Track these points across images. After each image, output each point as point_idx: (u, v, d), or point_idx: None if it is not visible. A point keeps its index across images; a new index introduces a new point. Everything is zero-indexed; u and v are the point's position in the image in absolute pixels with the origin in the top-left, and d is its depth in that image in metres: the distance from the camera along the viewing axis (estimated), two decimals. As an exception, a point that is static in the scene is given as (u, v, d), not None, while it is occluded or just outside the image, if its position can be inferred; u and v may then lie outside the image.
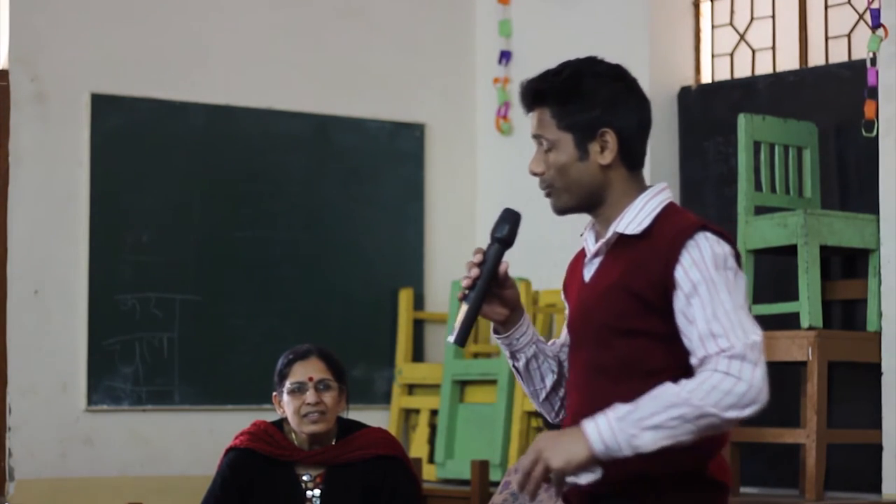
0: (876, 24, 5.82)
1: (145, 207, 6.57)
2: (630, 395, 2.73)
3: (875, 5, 5.84)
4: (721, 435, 2.79)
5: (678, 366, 2.77)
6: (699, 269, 2.75)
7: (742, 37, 6.70)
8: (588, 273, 2.93)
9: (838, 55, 6.33)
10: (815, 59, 6.42)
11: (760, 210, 5.96)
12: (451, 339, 2.94)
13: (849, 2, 6.31)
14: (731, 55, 6.74)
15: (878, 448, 5.76)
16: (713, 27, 6.81)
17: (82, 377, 6.38)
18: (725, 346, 2.68)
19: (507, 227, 2.97)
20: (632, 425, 2.65)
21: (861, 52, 6.06)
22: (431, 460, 6.85)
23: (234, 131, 6.77)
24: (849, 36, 6.30)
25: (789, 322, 5.83)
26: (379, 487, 4.37)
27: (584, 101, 2.86)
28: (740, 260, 2.83)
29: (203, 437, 6.55)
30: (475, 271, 2.91)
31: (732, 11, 6.74)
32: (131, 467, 6.46)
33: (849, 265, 6.08)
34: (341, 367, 4.47)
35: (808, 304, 5.66)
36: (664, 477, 2.78)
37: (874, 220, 5.83)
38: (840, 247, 5.80)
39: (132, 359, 6.47)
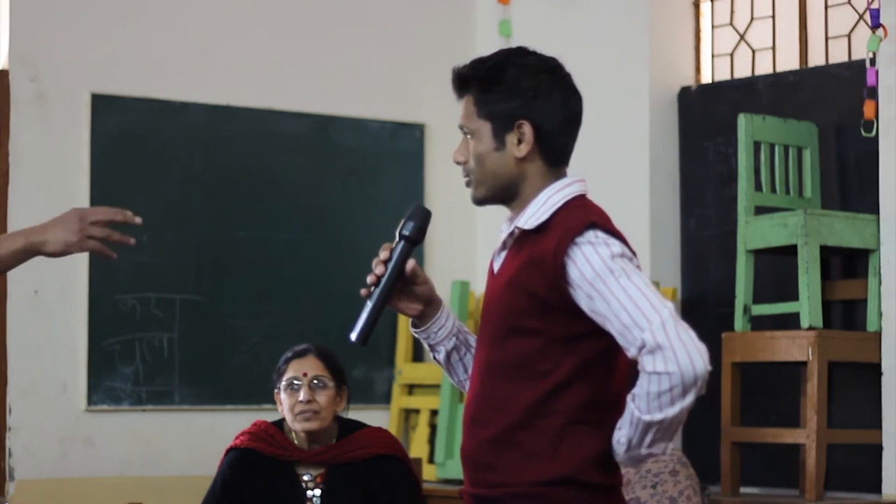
0: (875, 24, 5.82)
1: (145, 207, 6.51)
2: (522, 396, 2.73)
3: (875, 5, 5.84)
4: (599, 437, 2.75)
5: (571, 369, 2.73)
6: (592, 264, 2.69)
7: (742, 37, 6.69)
8: (496, 266, 2.90)
9: (838, 55, 6.33)
10: (815, 59, 6.42)
11: (760, 210, 5.96)
12: (353, 336, 2.89)
13: (849, 2, 6.31)
14: (731, 55, 6.74)
15: (878, 448, 5.76)
16: (713, 27, 6.81)
17: (82, 377, 6.37)
18: (640, 341, 2.63)
19: (413, 224, 2.95)
20: (632, 460, 2.74)
21: (861, 52, 6.06)
22: (431, 460, 6.84)
23: (234, 131, 6.76)
24: (849, 36, 6.30)
25: (789, 322, 5.83)
26: (379, 487, 4.37)
27: (504, 90, 2.81)
28: (634, 254, 2.75)
29: (203, 437, 6.55)
30: (380, 268, 2.89)
31: (732, 11, 6.74)
32: (131, 467, 6.45)
33: (849, 265, 6.08)
34: (339, 366, 4.48)
35: (808, 304, 5.66)
36: (545, 483, 2.74)
37: (874, 220, 5.83)
38: (840, 247, 5.80)
39: (132, 359, 6.46)
